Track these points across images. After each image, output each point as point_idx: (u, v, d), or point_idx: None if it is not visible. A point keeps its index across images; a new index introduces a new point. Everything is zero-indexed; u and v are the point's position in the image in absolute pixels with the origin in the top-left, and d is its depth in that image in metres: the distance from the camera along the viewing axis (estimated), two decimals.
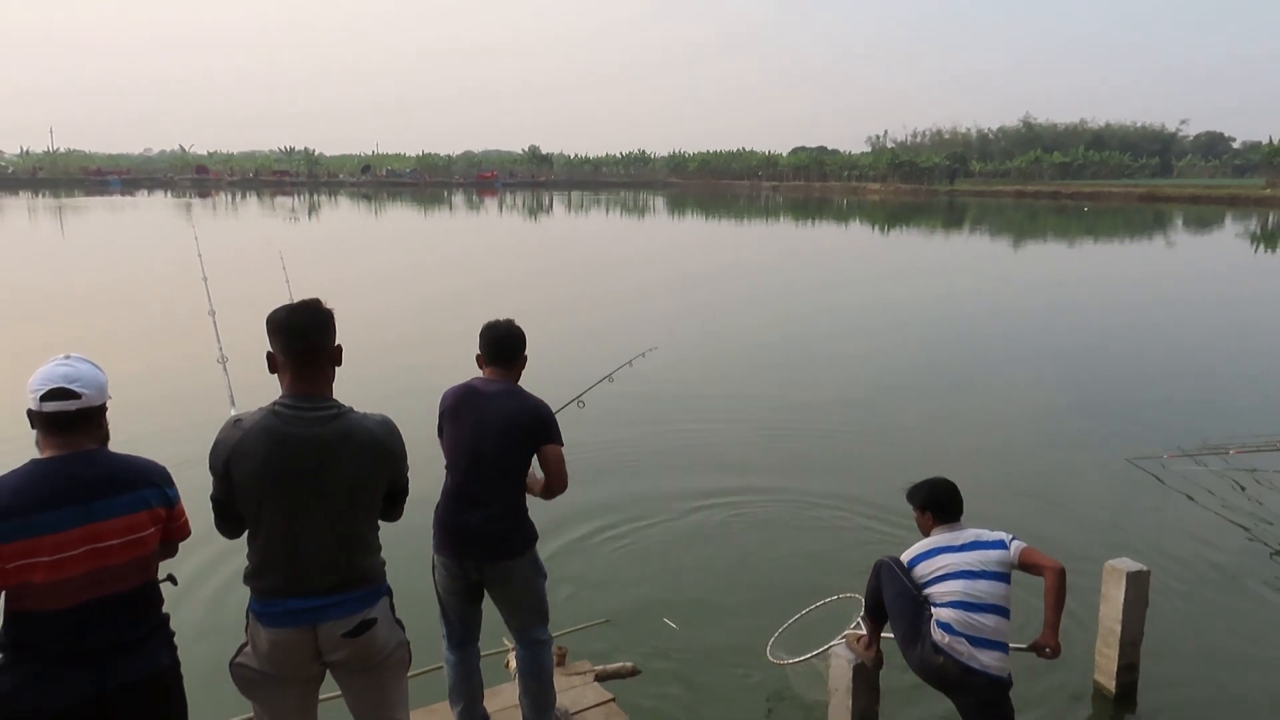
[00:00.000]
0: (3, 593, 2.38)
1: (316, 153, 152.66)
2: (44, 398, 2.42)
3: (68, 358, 2.51)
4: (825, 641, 4.40)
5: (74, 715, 2.43)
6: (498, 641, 4.45)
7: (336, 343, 2.66)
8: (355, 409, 2.67)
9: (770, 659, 4.62)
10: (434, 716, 3.95)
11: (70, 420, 2.45)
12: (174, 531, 2.65)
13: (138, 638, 2.53)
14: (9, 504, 2.33)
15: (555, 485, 3.49)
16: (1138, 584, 4.56)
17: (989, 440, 9.60)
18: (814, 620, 4.79)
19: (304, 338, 2.58)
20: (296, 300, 2.65)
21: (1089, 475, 8.42)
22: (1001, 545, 3.71)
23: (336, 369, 2.68)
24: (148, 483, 2.55)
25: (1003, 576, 3.65)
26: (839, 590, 4.89)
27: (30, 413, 2.46)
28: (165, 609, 2.67)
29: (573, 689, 4.18)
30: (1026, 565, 3.68)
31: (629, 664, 4.60)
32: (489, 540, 3.41)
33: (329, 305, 2.66)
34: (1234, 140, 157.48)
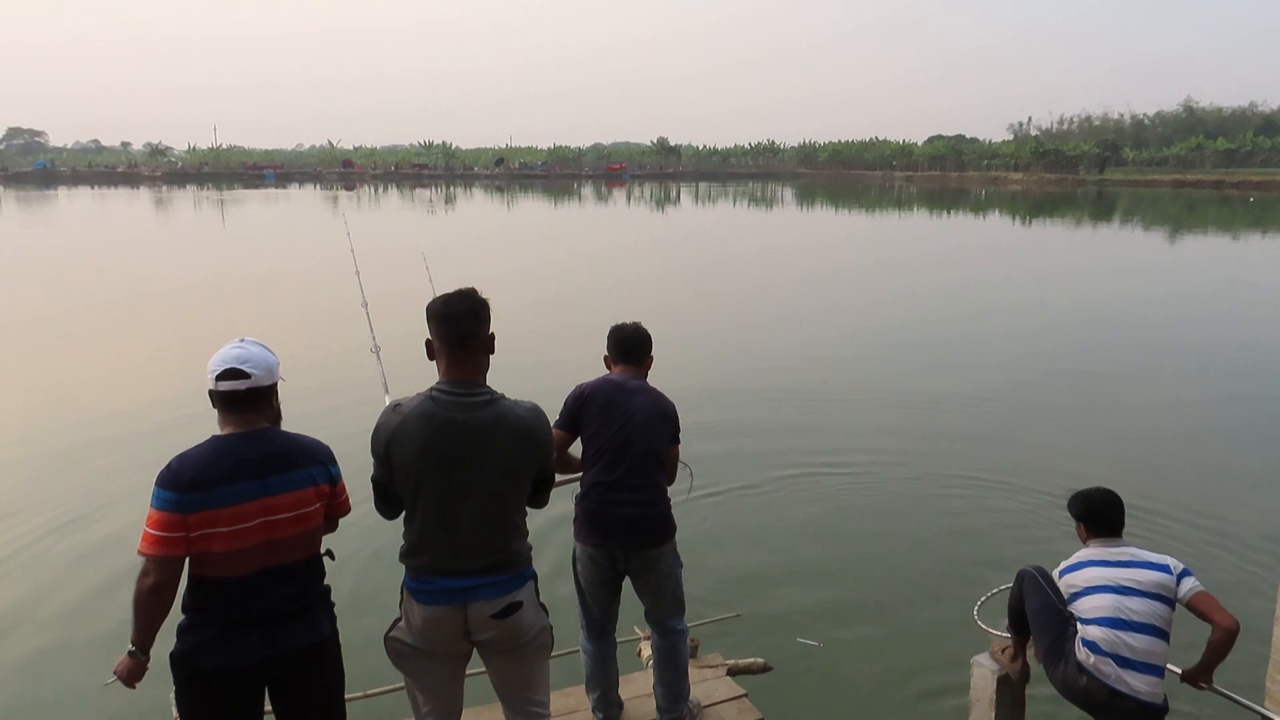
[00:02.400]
0: (187, 559, 2.55)
1: (453, 146, 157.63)
2: (219, 377, 2.60)
3: (242, 341, 2.68)
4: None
5: (246, 676, 2.60)
6: (630, 630, 4.50)
7: (490, 331, 2.73)
8: (506, 395, 2.74)
9: (979, 623, 4.42)
10: (568, 699, 4.02)
11: (241, 398, 2.61)
12: (336, 508, 2.80)
13: (303, 606, 2.68)
14: (195, 477, 2.50)
15: (668, 481, 3.63)
16: None
17: (1155, 447, 9.06)
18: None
19: (459, 325, 2.65)
20: (453, 290, 2.73)
21: (1260, 487, 7.82)
22: (1165, 569, 3.39)
23: (490, 357, 2.75)
24: (314, 460, 2.69)
25: (1161, 598, 3.33)
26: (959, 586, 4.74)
27: (210, 392, 2.64)
28: (325, 581, 2.82)
29: (705, 682, 4.18)
30: (1197, 610, 3.32)
31: (760, 660, 4.55)
32: (640, 528, 3.48)
33: (484, 295, 2.74)
34: None
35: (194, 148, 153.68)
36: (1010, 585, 4.48)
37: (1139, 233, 40.59)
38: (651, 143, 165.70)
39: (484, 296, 2.72)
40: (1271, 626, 3.97)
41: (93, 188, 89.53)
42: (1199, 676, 3.39)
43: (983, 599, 4.43)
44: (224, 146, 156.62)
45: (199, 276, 22.34)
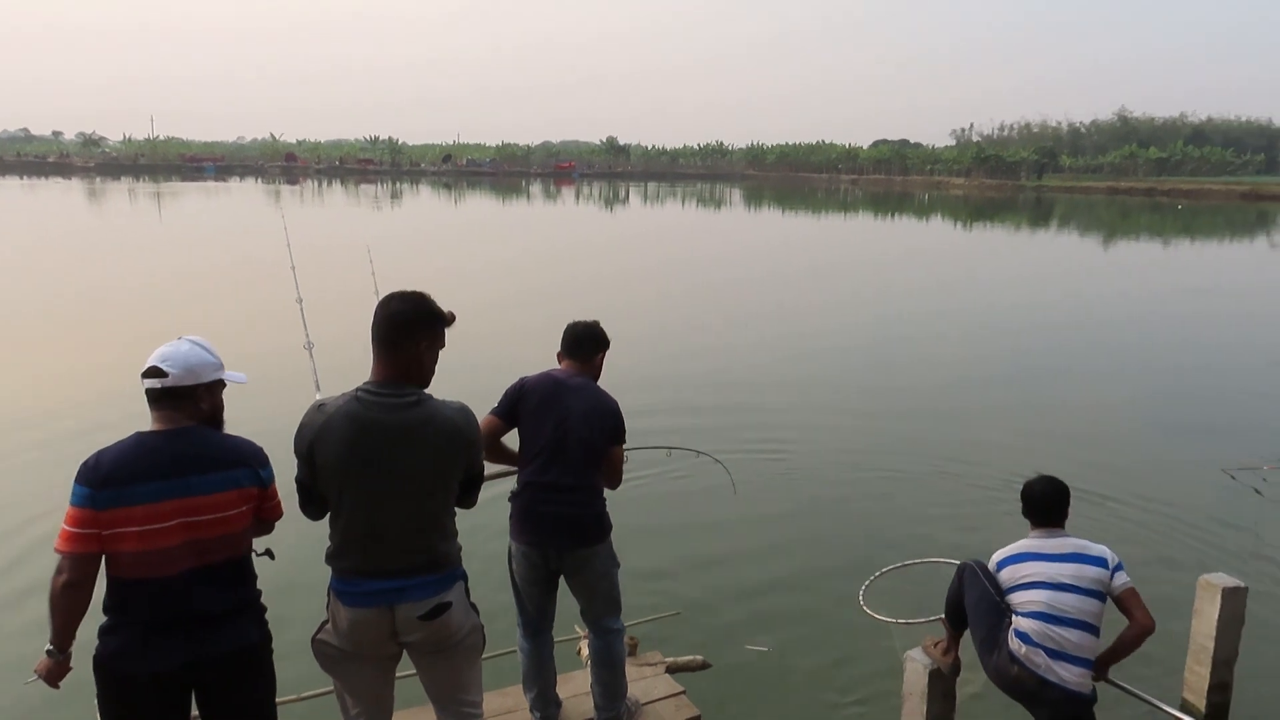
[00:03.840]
0: (102, 559, 2.48)
1: (400, 142, 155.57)
2: (142, 374, 2.57)
3: (179, 340, 2.64)
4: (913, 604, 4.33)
5: (167, 681, 2.53)
6: (570, 629, 4.49)
7: (437, 341, 2.68)
8: (434, 396, 2.71)
9: (863, 606, 4.51)
10: (506, 699, 3.99)
11: (160, 396, 2.57)
12: (267, 511, 2.74)
13: (227, 611, 2.61)
14: (108, 473, 2.44)
15: (612, 484, 3.61)
16: (1233, 600, 4.35)
17: (1079, 447, 9.29)
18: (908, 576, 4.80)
19: (391, 328, 2.61)
20: (407, 290, 2.68)
21: (1183, 485, 8.08)
22: (1102, 564, 3.49)
23: (434, 358, 2.68)
24: (242, 462, 2.63)
25: (1095, 594, 3.44)
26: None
27: None
28: (259, 585, 2.75)
29: (644, 679, 4.19)
30: (1123, 604, 3.45)
31: (699, 657, 4.57)
32: (572, 528, 3.46)
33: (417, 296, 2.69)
34: None
35: (129, 138, 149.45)
36: (892, 567, 4.67)
37: (1075, 238, 41.74)
38: (600, 142, 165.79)
39: (437, 309, 2.65)
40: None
41: (21, 178, 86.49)
42: (1098, 667, 3.51)
43: (868, 581, 4.58)
44: (161, 138, 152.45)
45: (133, 271, 21.71)
